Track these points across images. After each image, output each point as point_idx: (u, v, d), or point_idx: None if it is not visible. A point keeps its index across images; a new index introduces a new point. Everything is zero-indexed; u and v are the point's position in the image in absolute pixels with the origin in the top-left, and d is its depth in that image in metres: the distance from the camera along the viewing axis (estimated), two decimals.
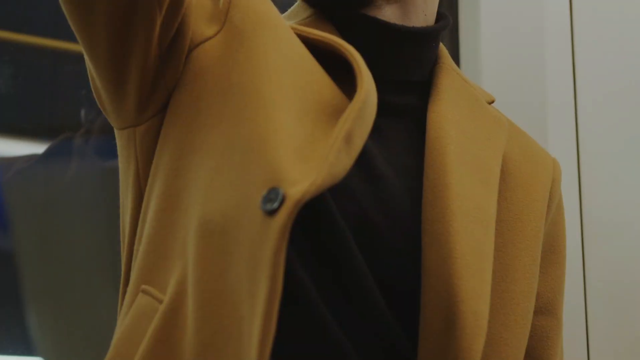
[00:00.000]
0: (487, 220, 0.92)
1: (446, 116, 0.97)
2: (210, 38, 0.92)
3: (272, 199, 0.76)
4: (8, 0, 1.68)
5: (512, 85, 1.56)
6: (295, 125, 0.83)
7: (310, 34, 0.93)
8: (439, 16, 1.06)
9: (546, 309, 1.05)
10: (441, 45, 1.06)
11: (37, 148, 1.60)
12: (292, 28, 0.94)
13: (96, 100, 0.97)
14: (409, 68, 1.00)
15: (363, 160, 0.91)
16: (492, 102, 1.07)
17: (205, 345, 0.78)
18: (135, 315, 0.85)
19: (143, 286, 0.86)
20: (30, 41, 1.67)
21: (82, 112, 1.58)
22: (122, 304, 0.93)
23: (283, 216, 0.75)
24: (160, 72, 0.90)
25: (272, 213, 0.76)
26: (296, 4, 1.05)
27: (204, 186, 0.84)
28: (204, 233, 0.81)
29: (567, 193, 1.50)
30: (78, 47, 0.94)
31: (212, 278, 0.79)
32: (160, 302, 0.83)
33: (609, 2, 1.61)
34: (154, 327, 0.81)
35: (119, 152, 0.97)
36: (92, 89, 0.97)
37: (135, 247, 0.92)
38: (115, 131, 0.97)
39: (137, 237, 0.91)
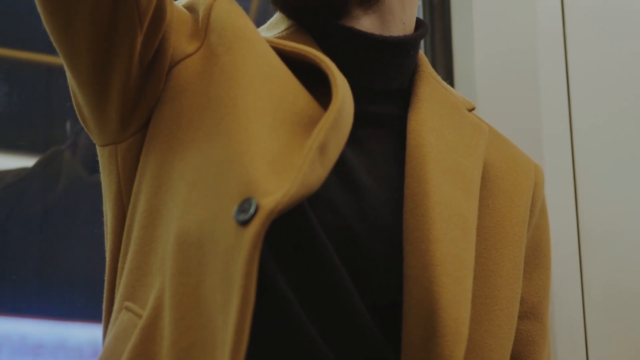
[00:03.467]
0: (467, 227, 0.92)
1: (426, 124, 0.97)
2: (191, 55, 0.92)
3: (246, 209, 0.77)
4: (2, 17, 1.68)
5: (506, 97, 1.56)
6: (271, 137, 0.83)
7: (286, 47, 0.94)
8: (418, 23, 1.06)
9: (531, 314, 1.04)
10: (420, 52, 1.06)
11: (32, 164, 1.60)
12: (268, 41, 0.95)
13: (78, 116, 0.98)
14: (388, 77, 1.00)
15: (343, 171, 0.91)
16: (473, 109, 1.07)
17: (181, 358, 0.78)
18: (117, 332, 0.86)
19: (126, 303, 0.87)
20: (26, 57, 1.68)
21: (68, 125, 1.59)
22: (106, 322, 0.94)
23: (256, 226, 0.75)
24: (142, 89, 0.91)
25: (245, 223, 0.76)
26: (275, 16, 1.05)
27: (181, 201, 0.84)
28: (180, 247, 0.82)
29: (563, 203, 1.51)
30: None
31: (188, 291, 0.80)
32: (141, 317, 0.84)
33: (600, 6, 1.62)
34: (133, 343, 0.82)
35: (101, 169, 0.98)
36: (75, 106, 0.97)
37: (119, 264, 0.92)
38: (97, 148, 0.97)
39: (122, 254, 0.92)
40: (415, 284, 0.87)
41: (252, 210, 0.76)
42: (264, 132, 0.83)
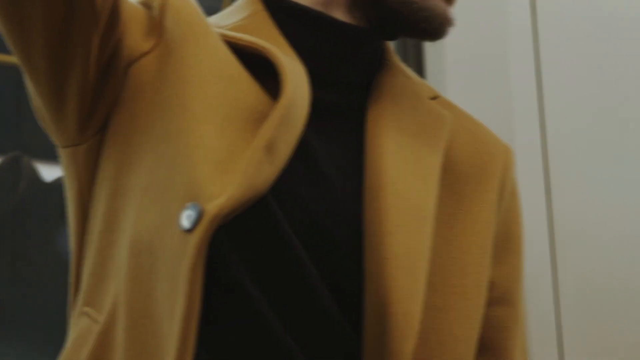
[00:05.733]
0: (424, 217, 0.91)
1: (384, 115, 0.95)
2: (147, 53, 0.90)
3: (190, 215, 0.76)
4: None
5: (477, 92, 1.56)
6: (218, 136, 0.82)
7: (240, 41, 0.91)
8: None
9: (503, 299, 1.01)
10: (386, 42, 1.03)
11: None
12: (222, 35, 0.92)
13: (38, 118, 0.97)
14: (354, 67, 0.98)
15: (310, 163, 0.90)
16: (436, 97, 1.04)
17: None
18: (75, 337, 0.85)
19: (85, 308, 0.86)
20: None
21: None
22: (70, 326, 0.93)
23: (200, 232, 0.74)
24: (99, 89, 0.89)
25: (190, 230, 0.75)
26: (238, 2, 1.01)
27: (135, 205, 0.84)
28: (133, 252, 0.81)
29: (535, 199, 1.50)
30: None
31: (140, 297, 0.79)
32: (98, 323, 0.83)
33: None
34: (89, 349, 0.81)
35: (63, 171, 0.96)
36: (34, 108, 0.96)
37: (81, 269, 0.91)
38: (59, 149, 0.96)
39: (83, 258, 0.91)
40: (371, 278, 0.86)
41: (196, 215, 0.75)
42: (212, 133, 0.82)
